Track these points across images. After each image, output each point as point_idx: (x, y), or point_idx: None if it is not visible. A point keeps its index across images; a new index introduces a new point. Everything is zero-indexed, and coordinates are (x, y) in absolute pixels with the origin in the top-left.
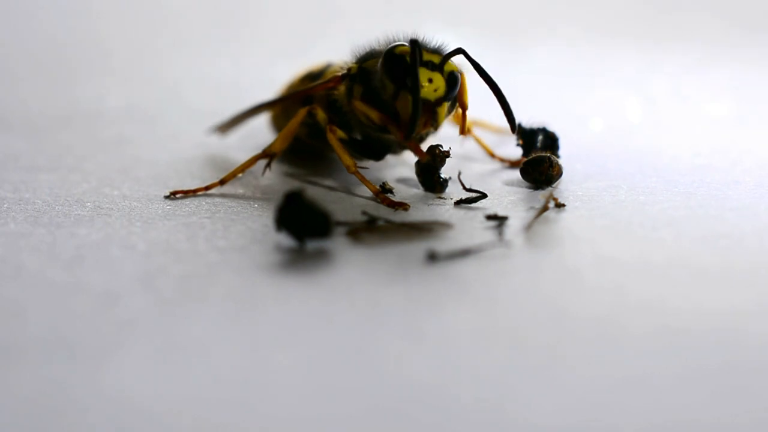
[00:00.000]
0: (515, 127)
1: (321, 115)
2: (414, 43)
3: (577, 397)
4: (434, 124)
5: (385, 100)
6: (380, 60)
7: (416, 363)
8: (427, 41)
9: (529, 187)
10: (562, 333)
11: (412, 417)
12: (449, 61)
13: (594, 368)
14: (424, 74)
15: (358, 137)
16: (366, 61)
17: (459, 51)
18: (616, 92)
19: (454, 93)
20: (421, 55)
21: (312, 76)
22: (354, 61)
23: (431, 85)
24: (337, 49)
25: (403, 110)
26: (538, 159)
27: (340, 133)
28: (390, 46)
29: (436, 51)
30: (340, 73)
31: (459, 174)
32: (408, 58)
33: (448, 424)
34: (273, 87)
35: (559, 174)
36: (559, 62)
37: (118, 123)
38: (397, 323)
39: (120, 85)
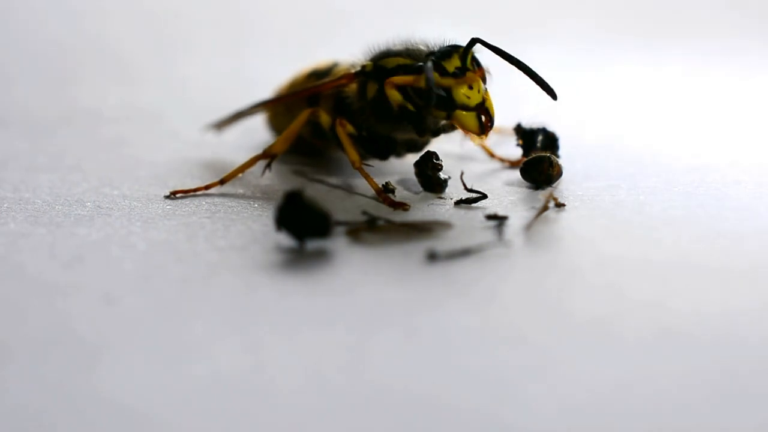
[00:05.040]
0: (555, 95)
1: (324, 117)
2: (431, 64)
3: (576, 398)
4: (493, 119)
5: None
6: (413, 93)
7: (415, 363)
8: (438, 49)
9: (529, 187)
10: (561, 333)
11: (412, 417)
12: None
13: (594, 368)
14: (462, 87)
15: (365, 135)
16: (381, 59)
17: (475, 41)
18: (616, 92)
19: (486, 78)
20: (447, 71)
21: (318, 74)
22: (368, 59)
23: (473, 90)
24: (338, 49)
25: (463, 125)
26: (538, 159)
27: (350, 128)
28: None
29: (453, 50)
30: (353, 71)
31: (461, 174)
32: (433, 89)
33: (448, 424)
34: (273, 87)
35: (559, 174)
36: (559, 62)
37: (118, 123)
38: (397, 323)
39: (120, 85)
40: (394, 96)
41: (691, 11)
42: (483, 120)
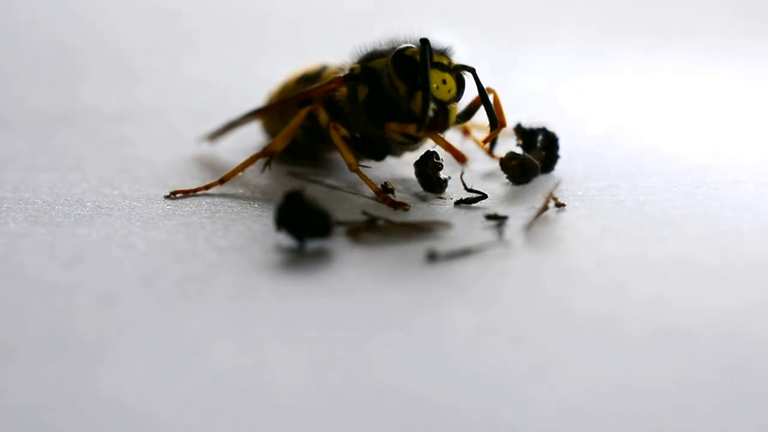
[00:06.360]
0: (491, 152)
1: (323, 115)
2: (425, 42)
3: (576, 398)
4: (447, 124)
5: (396, 100)
6: (390, 61)
7: (415, 363)
8: (436, 42)
9: (508, 183)
10: (562, 333)
11: (412, 417)
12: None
13: (594, 368)
14: (437, 75)
15: (359, 136)
16: (369, 61)
17: (472, 70)
18: (616, 92)
19: (462, 94)
20: (432, 56)
21: (307, 78)
22: (356, 61)
23: (445, 86)
24: (338, 49)
25: (418, 110)
26: (512, 155)
27: (343, 131)
28: (398, 47)
29: (444, 53)
30: (341, 74)
31: (461, 174)
32: (418, 59)
33: (448, 424)
34: (271, 89)
35: (529, 170)
36: (559, 62)
37: (118, 123)
38: (397, 323)
39: (121, 84)
40: (396, 137)
41: (691, 12)
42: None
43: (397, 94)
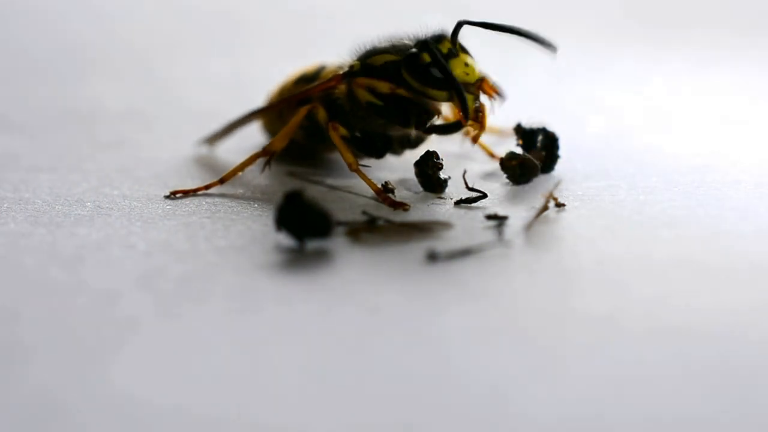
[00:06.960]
0: (554, 48)
1: (322, 114)
2: (424, 43)
3: (578, 397)
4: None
5: (395, 98)
6: (408, 75)
7: (415, 363)
8: (429, 33)
9: (508, 183)
10: (562, 333)
11: (412, 417)
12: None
13: (594, 368)
14: (460, 64)
15: (358, 135)
16: (369, 58)
17: (461, 24)
18: (616, 92)
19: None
20: (442, 53)
21: (306, 79)
22: (355, 58)
23: (470, 67)
24: (337, 49)
25: (459, 107)
26: (512, 155)
27: (342, 130)
28: (406, 57)
29: (442, 35)
30: (341, 72)
31: (464, 173)
32: (434, 58)
33: (448, 423)
34: (270, 89)
35: (532, 171)
36: (559, 62)
37: (118, 123)
38: (397, 323)
39: (120, 85)
40: (363, 95)
41: (691, 12)
42: (479, 106)
43: (438, 100)
